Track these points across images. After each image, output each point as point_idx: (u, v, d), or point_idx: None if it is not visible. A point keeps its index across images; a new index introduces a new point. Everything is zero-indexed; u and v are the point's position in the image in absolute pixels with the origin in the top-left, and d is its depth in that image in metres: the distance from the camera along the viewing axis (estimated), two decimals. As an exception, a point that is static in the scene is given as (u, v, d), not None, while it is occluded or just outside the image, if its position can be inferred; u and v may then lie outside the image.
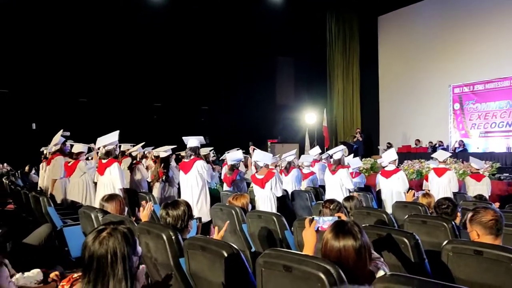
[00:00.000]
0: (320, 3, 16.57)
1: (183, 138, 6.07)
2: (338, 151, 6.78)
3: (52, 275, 2.02)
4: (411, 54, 16.27)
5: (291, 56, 17.62)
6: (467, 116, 14.13)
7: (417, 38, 16.05)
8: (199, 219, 5.65)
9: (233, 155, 6.98)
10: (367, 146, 16.23)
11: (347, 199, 4.52)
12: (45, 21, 12.94)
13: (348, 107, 18.03)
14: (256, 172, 6.14)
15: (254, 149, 8.18)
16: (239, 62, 15.73)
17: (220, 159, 9.36)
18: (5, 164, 11.30)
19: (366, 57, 17.87)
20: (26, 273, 2.30)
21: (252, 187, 7.41)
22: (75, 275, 1.72)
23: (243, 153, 7.92)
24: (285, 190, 6.58)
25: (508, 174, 10.40)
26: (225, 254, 2.27)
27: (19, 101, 12.94)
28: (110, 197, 3.68)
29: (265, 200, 5.92)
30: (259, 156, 6.15)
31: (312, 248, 2.33)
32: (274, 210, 5.90)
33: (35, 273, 2.31)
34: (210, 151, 8.07)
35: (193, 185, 5.71)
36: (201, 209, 5.67)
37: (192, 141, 5.92)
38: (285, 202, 6.52)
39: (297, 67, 17.98)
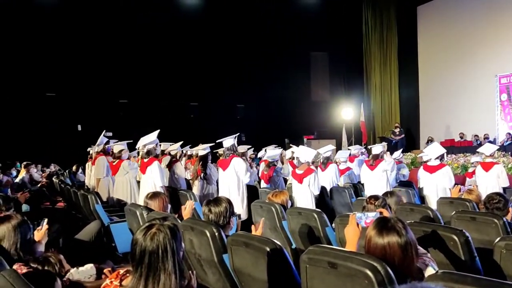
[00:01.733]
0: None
1: (218, 141, 6.18)
2: (379, 146, 6.64)
3: (106, 270, 2.11)
4: (452, 44, 15.66)
5: (326, 50, 17.39)
6: (515, 107, 13.49)
7: (459, 27, 15.42)
8: (239, 216, 5.71)
9: (271, 153, 7.01)
10: (408, 141, 15.79)
11: (387, 194, 4.42)
12: (87, 26, 13.46)
13: (386, 101, 17.60)
14: (296, 168, 6.13)
15: (290, 146, 8.18)
16: (274, 58, 15.71)
17: (258, 156, 9.40)
18: (54, 165, 11.86)
19: (405, 49, 17.37)
20: (80, 268, 2.40)
21: (290, 183, 7.44)
22: (122, 270, 1.78)
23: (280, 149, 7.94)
24: (323, 187, 6.52)
25: (562, 167, 9.79)
26: (268, 250, 2.28)
27: (65, 104, 13.57)
28: (154, 195, 3.78)
29: (304, 196, 5.91)
30: (301, 152, 6.14)
31: (355, 244, 2.31)
32: (313, 207, 5.89)
33: (89, 268, 2.42)
34: (249, 149, 8.11)
35: (231, 182, 5.77)
36: (240, 206, 5.73)
37: (227, 141, 6.01)
38: (323, 199, 6.47)
39: (333, 62, 17.72)
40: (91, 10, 13.46)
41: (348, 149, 10.09)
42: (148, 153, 5.83)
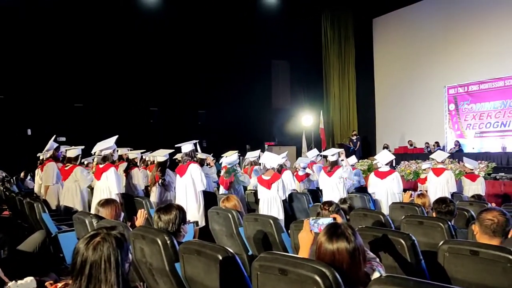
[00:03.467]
0: (314, 5, 16.63)
1: (177, 145, 6.10)
2: (335, 153, 6.78)
3: (47, 283, 2.00)
4: (406, 56, 16.36)
5: (287, 59, 17.63)
6: (462, 117, 14.19)
7: (412, 40, 16.14)
8: (196, 223, 5.65)
9: (230, 159, 6.98)
10: (365, 148, 16.26)
11: (343, 201, 4.54)
12: (40, 27, 12.91)
13: (345, 109, 18.09)
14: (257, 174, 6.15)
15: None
16: (235, 65, 15.73)
17: (220, 162, 9.35)
18: (1, 171, 11.22)
19: (362, 60, 17.95)
20: (20, 281, 2.27)
21: (250, 190, 7.44)
22: (60, 284, 1.70)
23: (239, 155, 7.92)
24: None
25: (503, 173, 10.44)
26: (220, 258, 2.25)
27: (14, 107, 12.89)
28: (106, 202, 3.66)
29: (271, 202, 5.94)
30: (267, 158, 6.16)
31: (308, 250, 2.33)
32: (281, 212, 5.95)
33: (29, 281, 2.28)
34: (208, 156, 8.05)
35: (188, 188, 5.71)
36: (196, 213, 5.66)
37: (186, 147, 5.94)
38: (283, 204, 6.52)
39: (293, 70, 18.00)
40: (45, 10, 12.93)
41: (306, 156, 10.25)
42: (104, 158, 5.66)
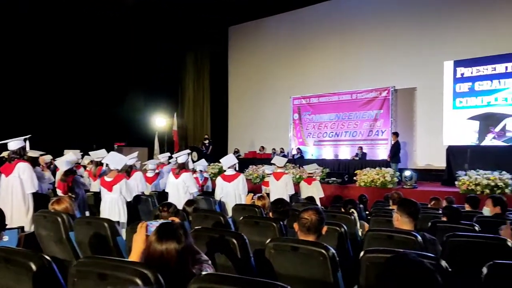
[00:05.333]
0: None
1: (2, 142, 5.34)
2: (183, 155, 6.77)
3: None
4: (258, 66, 17.41)
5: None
6: (304, 126, 15.68)
7: (264, 50, 17.26)
8: (22, 228, 4.98)
9: (66, 158, 6.38)
10: (217, 152, 16.67)
11: (188, 203, 4.55)
12: None
13: (199, 114, 18.34)
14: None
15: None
16: (87, 60, 14.56)
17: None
18: None
19: (217, 66, 18.45)
20: None
21: (92, 192, 6.92)
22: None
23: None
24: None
25: (335, 178, 11.82)
26: (34, 267, 2.00)
27: None
28: None
29: (113, 204, 5.60)
30: (110, 159, 5.76)
31: (139, 253, 2.24)
32: (123, 215, 5.65)
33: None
34: (42, 155, 7.20)
35: (15, 190, 5.03)
36: (24, 217, 5.02)
37: (13, 144, 5.23)
38: (129, 207, 6.23)
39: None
40: None
41: (158, 157, 10.04)
42: None
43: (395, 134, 12.20)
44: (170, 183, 6.81)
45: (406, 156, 13.03)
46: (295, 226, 2.86)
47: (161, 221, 2.34)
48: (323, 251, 2.49)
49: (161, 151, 14.66)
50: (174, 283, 1.90)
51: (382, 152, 13.54)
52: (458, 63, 11.72)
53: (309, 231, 2.78)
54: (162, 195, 7.13)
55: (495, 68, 11.10)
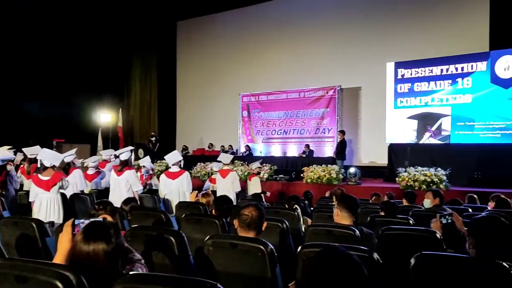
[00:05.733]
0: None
1: None
2: (125, 152, 6.53)
3: None
4: (207, 62, 17.22)
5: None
6: (253, 123, 15.73)
7: (213, 47, 17.10)
8: None
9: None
10: (165, 149, 16.29)
11: (125, 201, 4.39)
12: None
13: (146, 110, 17.86)
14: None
15: None
16: (32, 53, 13.73)
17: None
18: None
19: (165, 61, 18.03)
20: None
21: (25, 191, 6.50)
22: None
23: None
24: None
25: (282, 175, 11.96)
26: None
27: None
28: None
29: (50, 204, 5.29)
30: (44, 155, 5.41)
31: (64, 254, 2.10)
32: (61, 215, 5.35)
33: None
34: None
35: None
36: None
37: None
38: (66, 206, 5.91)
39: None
40: None
41: (100, 154, 9.64)
42: None
43: (342, 132, 12.56)
44: (112, 180, 6.56)
45: (351, 153, 13.45)
46: (235, 223, 2.83)
47: (92, 219, 2.21)
48: (261, 247, 2.48)
49: (105, 148, 14.12)
50: (101, 285, 1.80)
51: (328, 150, 13.88)
52: (399, 65, 12.23)
53: (249, 227, 2.76)
54: (103, 193, 6.84)
55: (432, 70, 11.70)
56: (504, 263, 1.73)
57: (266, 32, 15.80)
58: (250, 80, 15.99)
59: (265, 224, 2.80)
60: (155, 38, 17.48)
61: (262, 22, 15.93)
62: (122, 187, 6.28)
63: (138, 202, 5.94)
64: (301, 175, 11.35)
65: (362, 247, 2.35)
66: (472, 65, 11.11)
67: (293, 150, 14.70)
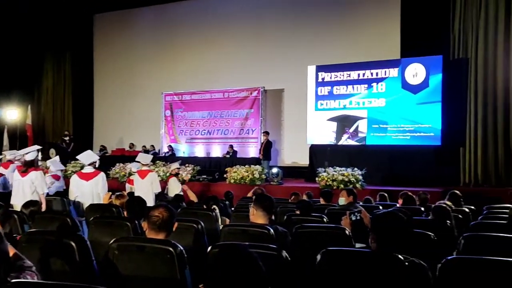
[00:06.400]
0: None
1: None
2: (31, 152, 6.01)
3: None
4: (127, 59, 16.46)
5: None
6: (176, 123, 15.38)
7: (133, 43, 16.36)
8: None
9: None
10: (81, 149, 15.31)
11: (25, 205, 4.02)
12: None
13: (59, 107, 16.66)
14: None
15: None
16: None
17: None
18: None
19: (80, 56, 16.91)
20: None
21: None
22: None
23: None
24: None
25: (205, 176, 11.84)
26: None
27: None
28: None
29: None
30: None
31: None
32: None
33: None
34: None
35: None
36: None
37: None
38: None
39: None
40: None
41: (3, 154, 8.81)
42: None
43: (266, 133, 12.75)
44: (15, 182, 6.01)
45: (275, 153, 13.68)
46: (144, 225, 2.69)
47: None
48: (170, 248, 2.38)
49: (12, 147, 12.96)
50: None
51: (252, 150, 13.99)
52: (319, 68, 12.69)
53: (160, 229, 2.64)
54: (3, 196, 6.22)
55: (349, 74, 12.29)
56: (399, 256, 1.81)
57: (188, 31, 15.52)
58: (173, 79, 15.61)
59: (175, 225, 2.70)
60: (69, 31, 16.33)
61: (184, 20, 15.62)
62: (26, 189, 5.78)
63: (44, 205, 5.52)
64: (225, 175, 11.32)
65: (272, 246, 2.35)
66: (385, 71, 11.87)
67: (217, 151, 14.63)
